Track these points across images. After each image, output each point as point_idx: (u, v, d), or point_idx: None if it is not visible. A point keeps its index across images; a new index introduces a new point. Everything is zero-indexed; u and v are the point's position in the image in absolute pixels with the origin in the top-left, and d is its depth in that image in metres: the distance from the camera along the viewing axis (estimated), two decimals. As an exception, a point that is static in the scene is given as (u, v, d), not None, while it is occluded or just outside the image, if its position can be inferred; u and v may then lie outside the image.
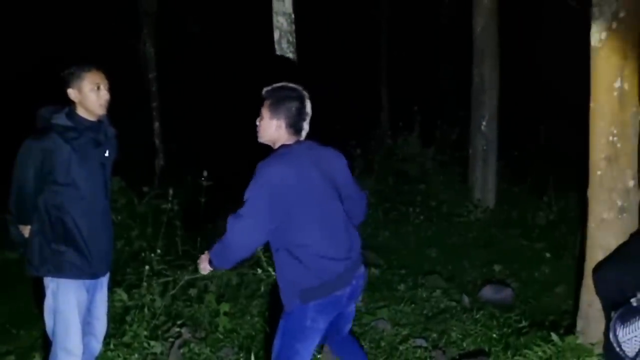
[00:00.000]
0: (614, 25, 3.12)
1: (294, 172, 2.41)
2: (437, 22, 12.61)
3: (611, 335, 2.78)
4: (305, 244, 2.44)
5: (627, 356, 2.75)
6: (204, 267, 2.64)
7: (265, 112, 2.54)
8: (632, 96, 3.19)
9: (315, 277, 2.44)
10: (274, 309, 3.92)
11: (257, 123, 2.59)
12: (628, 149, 3.21)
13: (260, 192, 2.37)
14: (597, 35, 3.19)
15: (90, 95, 2.72)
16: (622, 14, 3.11)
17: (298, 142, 2.55)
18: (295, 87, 2.56)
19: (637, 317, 2.71)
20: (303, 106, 2.53)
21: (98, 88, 2.73)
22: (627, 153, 3.21)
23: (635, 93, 3.20)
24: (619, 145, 3.19)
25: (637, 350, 2.70)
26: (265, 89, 2.57)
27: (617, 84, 3.15)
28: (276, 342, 2.57)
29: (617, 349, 2.76)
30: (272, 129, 2.53)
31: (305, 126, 2.56)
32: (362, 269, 2.64)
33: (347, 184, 2.65)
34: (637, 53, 3.18)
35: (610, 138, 3.20)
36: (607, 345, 2.96)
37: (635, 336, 2.69)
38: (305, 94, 2.56)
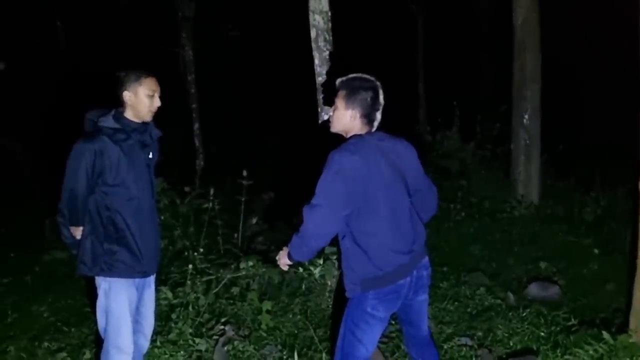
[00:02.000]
0: (665, 10, 3.01)
1: (365, 161, 2.45)
2: (475, 16, 12.40)
3: None
4: (371, 233, 2.48)
5: None
6: (284, 263, 2.69)
7: (339, 102, 2.58)
8: (685, 84, 3.06)
9: (376, 267, 2.49)
10: (335, 305, 3.95)
11: (331, 113, 2.64)
12: (682, 140, 3.09)
13: (333, 180, 2.41)
14: (647, 22, 3.08)
15: (145, 101, 2.80)
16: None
17: (370, 132, 2.59)
18: (369, 78, 2.58)
19: None
20: (377, 96, 2.56)
21: (153, 95, 2.81)
22: (680, 144, 3.09)
23: (689, 81, 3.08)
24: (672, 135, 3.07)
25: None
26: (339, 80, 2.61)
27: (669, 72, 3.04)
28: (340, 332, 2.63)
29: None
30: (346, 119, 2.57)
31: (378, 116, 2.59)
32: (425, 259, 2.67)
33: (417, 176, 2.67)
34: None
35: (663, 128, 3.08)
36: None
37: None
38: (379, 84, 2.58)
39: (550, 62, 6.87)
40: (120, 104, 2.82)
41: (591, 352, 3.27)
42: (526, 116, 6.47)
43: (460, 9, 12.49)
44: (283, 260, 2.67)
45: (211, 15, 9.34)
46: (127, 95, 2.79)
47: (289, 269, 3.94)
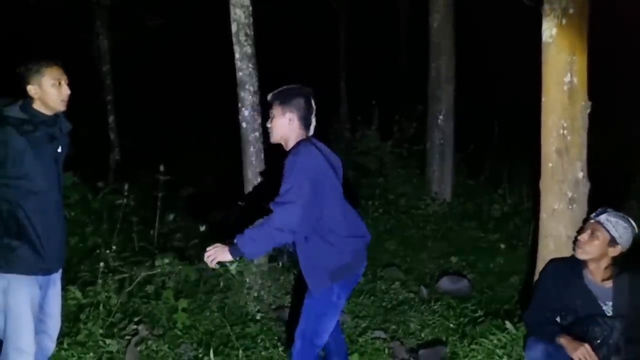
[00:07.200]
0: (564, 21, 3.22)
1: (323, 163, 2.66)
2: (396, 17, 12.71)
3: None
4: (335, 228, 2.69)
5: None
6: (223, 258, 2.65)
7: (276, 110, 2.71)
8: (581, 90, 3.29)
9: (344, 256, 2.70)
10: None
11: (268, 125, 2.76)
12: (577, 142, 3.31)
13: (302, 179, 2.55)
14: (548, 31, 3.28)
15: (52, 91, 2.68)
16: (571, 11, 3.21)
17: (312, 137, 2.75)
18: (299, 86, 2.76)
19: None
20: (309, 101, 2.76)
21: (59, 84, 2.70)
22: (576, 145, 3.31)
23: (585, 87, 3.31)
24: (569, 138, 3.29)
25: None
26: (270, 94, 2.75)
27: (567, 79, 3.25)
28: (304, 322, 2.76)
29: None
30: (285, 123, 2.71)
31: (314, 121, 2.77)
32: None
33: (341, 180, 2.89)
34: (586, 48, 3.29)
35: (561, 131, 3.30)
36: None
37: None
38: (310, 90, 2.76)
39: (465, 64, 7.17)
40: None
41: (495, 341, 3.46)
42: (440, 117, 6.72)
43: (381, 9, 12.75)
44: (222, 256, 2.64)
45: (130, 2, 8.97)
46: (31, 89, 2.67)
47: (206, 266, 3.90)
